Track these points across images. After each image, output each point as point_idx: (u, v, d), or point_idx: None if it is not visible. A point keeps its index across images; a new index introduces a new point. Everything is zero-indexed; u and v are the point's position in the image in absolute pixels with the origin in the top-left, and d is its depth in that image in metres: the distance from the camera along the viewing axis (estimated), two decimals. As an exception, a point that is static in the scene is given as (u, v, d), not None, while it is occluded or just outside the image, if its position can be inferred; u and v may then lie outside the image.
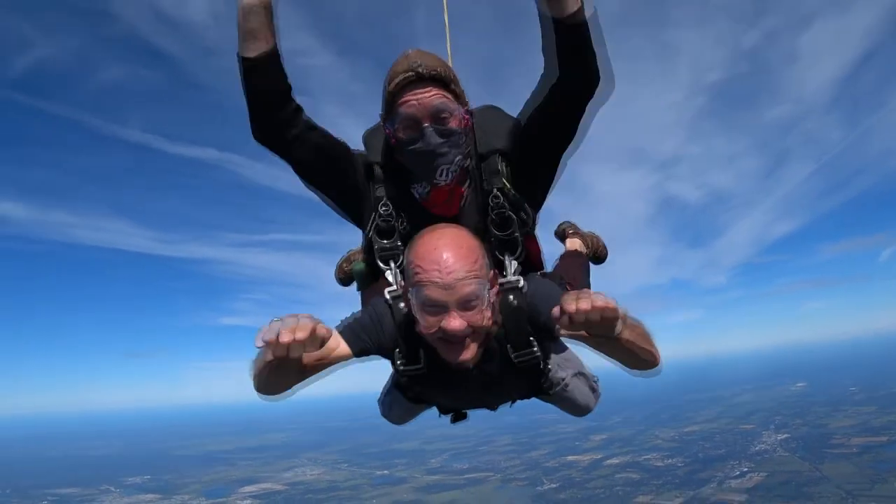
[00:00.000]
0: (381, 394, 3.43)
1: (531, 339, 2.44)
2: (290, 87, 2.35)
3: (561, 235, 3.92)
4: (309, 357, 2.22)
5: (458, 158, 2.44)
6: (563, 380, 2.97)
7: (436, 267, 2.11)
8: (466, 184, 2.59)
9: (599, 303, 1.65)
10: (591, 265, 3.85)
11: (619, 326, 1.84)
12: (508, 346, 2.44)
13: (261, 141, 2.43)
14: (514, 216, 2.52)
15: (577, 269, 3.70)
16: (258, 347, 1.76)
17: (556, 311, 1.71)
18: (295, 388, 2.38)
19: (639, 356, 2.10)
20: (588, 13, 2.08)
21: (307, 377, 2.38)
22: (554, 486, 55.26)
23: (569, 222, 3.95)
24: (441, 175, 2.43)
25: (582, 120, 2.36)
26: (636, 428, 79.50)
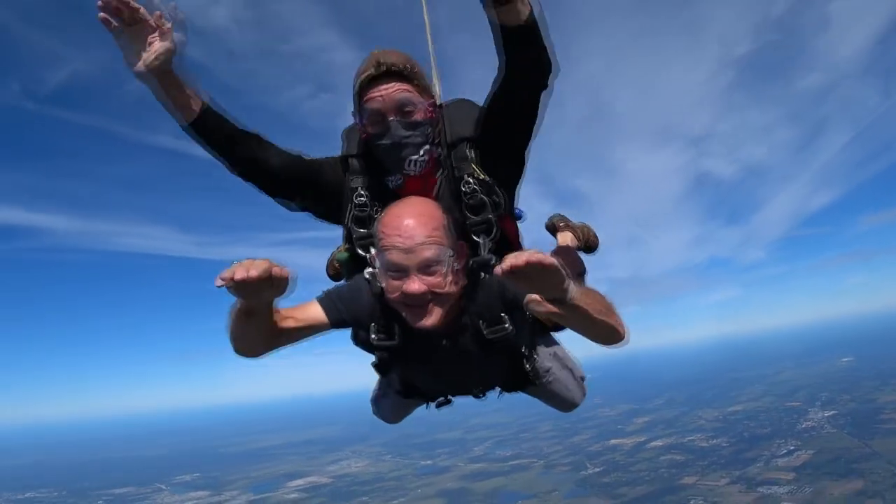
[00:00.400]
0: (373, 392, 3.58)
1: (502, 314, 2.52)
2: (235, 125, 2.54)
3: (552, 229, 3.92)
4: (284, 319, 2.41)
5: (425, 149, 2.55)
6: (549, 370, 3.09)
7: (397, 232, 2.25)
8: (439, 172, 2.69)
9: (534, 257, 1.78)
10: (584, 255, 3.85)
11: (571, 291, 1.98)
12: (480, 321, 2.54)
13: (238, 175, 2.64)
14: (486, 199, 2.59)
15: (570, 264, 3.68)
16: (218, 287, 1.86)
17: (497, 269, 1.83)
18: (272, 349, 2.49)
19: (601, 325, 2.18)
20: (536, 11, 2.13)
21: (283, 339, 2.49)
22: (598, 470, 55.24)
23: (559, 215, 3.96)
24: (410, 166, 2.56)
25: (541, 103, 2.46)
26: (679, 409, 78.78)
